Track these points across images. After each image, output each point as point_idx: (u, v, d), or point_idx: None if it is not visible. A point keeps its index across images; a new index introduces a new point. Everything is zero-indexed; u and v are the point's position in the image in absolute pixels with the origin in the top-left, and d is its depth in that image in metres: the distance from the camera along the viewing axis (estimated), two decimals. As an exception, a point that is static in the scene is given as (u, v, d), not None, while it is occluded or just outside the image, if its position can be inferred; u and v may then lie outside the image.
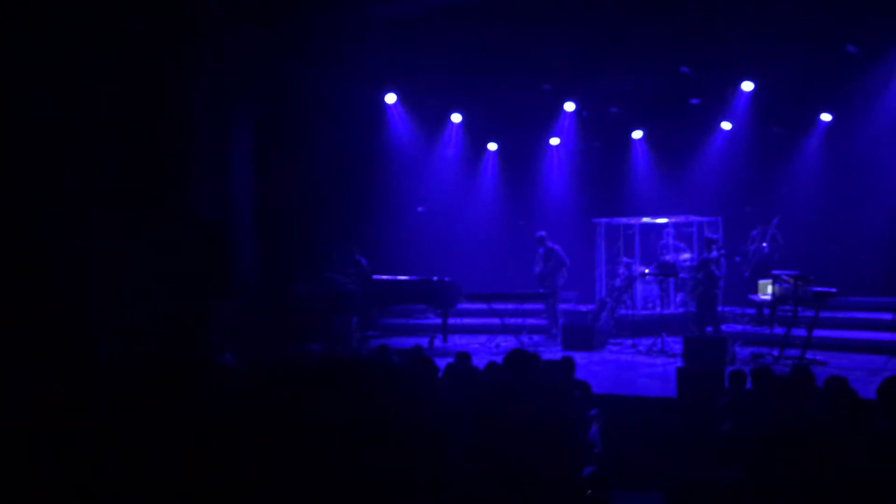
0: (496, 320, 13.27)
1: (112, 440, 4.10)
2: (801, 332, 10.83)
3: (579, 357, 9.14)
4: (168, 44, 10.78)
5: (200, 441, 3.97)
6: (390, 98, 15.21)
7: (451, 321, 13.07)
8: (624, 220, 15.22)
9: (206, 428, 4.07)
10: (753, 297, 12.20)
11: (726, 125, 15.13)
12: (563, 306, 14.10)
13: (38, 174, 9.43)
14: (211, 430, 4.04)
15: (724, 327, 12.57)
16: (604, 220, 15.27)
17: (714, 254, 12.52)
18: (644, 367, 11.11)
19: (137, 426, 4.23)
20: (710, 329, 12.13)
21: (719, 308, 12.76)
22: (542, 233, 13.90)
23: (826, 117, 14.49)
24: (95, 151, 9.88)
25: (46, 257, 9.31)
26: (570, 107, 15.56)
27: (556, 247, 13.69)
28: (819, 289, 10.65)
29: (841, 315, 12.36)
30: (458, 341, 13.07)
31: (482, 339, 13.24)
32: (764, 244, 13.02)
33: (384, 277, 13.28)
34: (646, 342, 12.37)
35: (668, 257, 14.24)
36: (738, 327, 12.69)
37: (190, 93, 11.52)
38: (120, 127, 10.20)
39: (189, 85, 11.47)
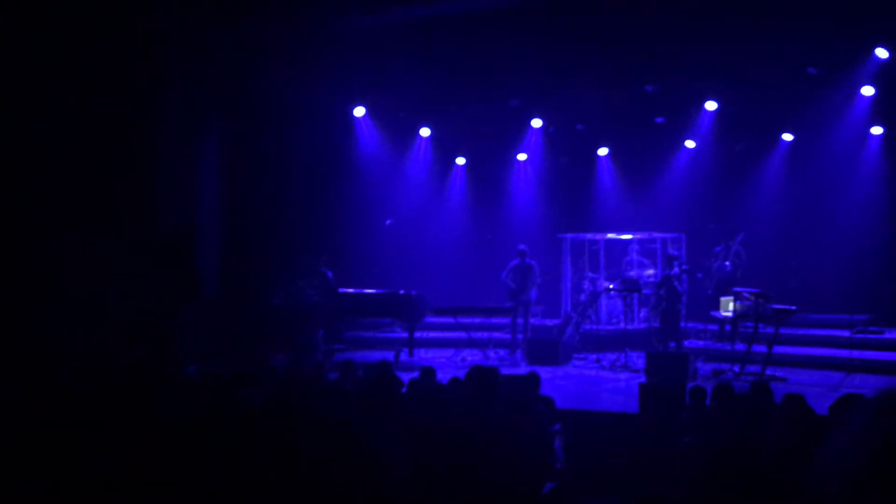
0: (463, 334, 13.30)
1: (72, 453, 4.05)
2: (761, 348, 10.99)
3: (544, 371, 9.19)
4: (136, 52, 10.71)
5: (162, 454, 3.94)
6: (359, 111, 15.22)
7: (418, 335, 13.07)
8: (589, 235, 15.36)
9: (167, 441, 4.04)
10: (715, 313, 12.37)
11: (690, 143, 15.36)
12: (530, 321, 14.16)
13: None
14: (172, 442, 4.02)
15: (686, 343, 12.72)
16: (569, 235, 15.40)
17: (676, 270, 12.69)
18: (608, 382, 11.21)
19: (97, 439, 4.19)
20: (672, 344, 12.27)
21: (682, 324, 12.92)
22: (524, 247, 13.96)
23: (787, 137, 14.77)
24: (59, 159, 9.78)
25: (5, 267, 9.18)
26: (537, 123, 15.69)
27: (534, 263, 13.76)
28: (779, 306, 10.83)
29: (801, 332, 12.57)
30: (425, 355, 13.06)
31: (449, 352, 13.25)
32: (727, 262, 13.21)
33: (350, 290, 13.25)
34: (610, 357, 12.48)
35: (632, 273, 14.39)
36: (701, 343, 12.84)
37: (158, 103, 11.45)
38: (85, 136, 10.11)
39: (157, 95, 11.41)
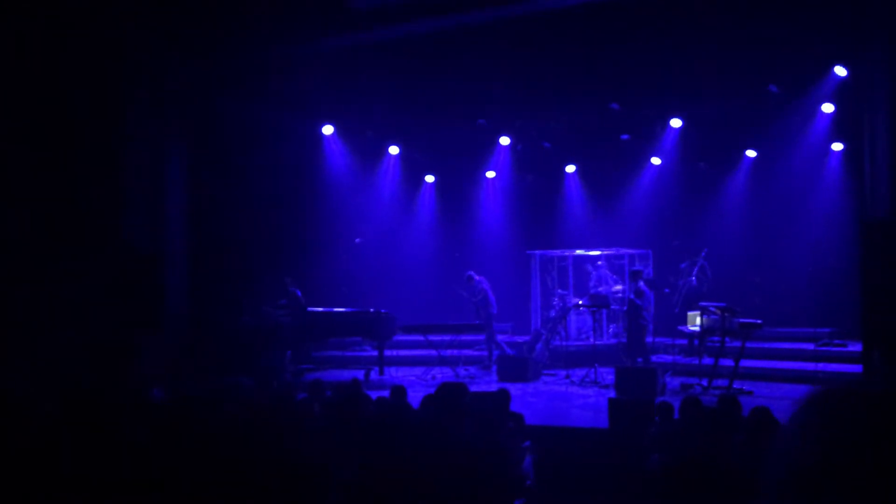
0: (433, 352, 13.29)
1: (35, 477, 3.99)
2: (728, 362, 11.10)
3: (514, 388, 9.20)
4: (100, 73, 10.64)
5: (125, 473, 3.89)
6: (327, 130, 15.22)
7: (388, 353, 13.03)
8: (558, 252, 15.45)
9: (129, 462, 3.99)
10: (683, 327, 12.47)
11: (656, 160, 15.54)
12: (498, 337, 14.21)
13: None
14: (136, 462, 3.97)
15: (654, 358, 12.79)
16: (538, 251, 15.48)
17: (641, 285, 12.77)
18: (577, 398, 11.23)
19: (59, 463, 4.13)
20: (640, 360, 12.36)
21: (649, 339, 13.01)
22: (470, 272, 14.18)
23: (751, 153, 15.00)
24: (24, 181, 9.67)
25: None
26: (505, 141, 15.80)
27: (482, 281, 13.90)
28: (745, 320, 10.95)
29: (767, 345, 12.72)
30: (395, 374, 13.02)
31: (419, 370, 13.23)
32: (692, 277, 13.35)
33: (319, 309, 13.19)
34: (579, 373, 12.52)
35: (600, 289, 14.48)
36: (669, 357, 12.93)
37: (122, 123, 11.36)
38: (50, 158, 10.01)
39: (121, 115, 11.33)
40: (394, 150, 16.27)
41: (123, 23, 10.63)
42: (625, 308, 12.94)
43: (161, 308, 11.02)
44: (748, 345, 11.18)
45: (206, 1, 10.70)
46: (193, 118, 12.80)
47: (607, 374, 11.77)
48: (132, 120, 11.51)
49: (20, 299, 9.28)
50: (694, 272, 13.34)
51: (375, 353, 12.96)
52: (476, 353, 14.06)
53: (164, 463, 3.68)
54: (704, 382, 11.13)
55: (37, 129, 9.93)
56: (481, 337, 14.11)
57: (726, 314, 11.03)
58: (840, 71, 12.40)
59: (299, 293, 13.24)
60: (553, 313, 14.54)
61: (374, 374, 12.66)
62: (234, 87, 12.64)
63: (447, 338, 13.54)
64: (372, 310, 12.99)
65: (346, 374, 12.21)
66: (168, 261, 12.10)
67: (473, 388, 7.86)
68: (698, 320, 11.63)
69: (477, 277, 14.02)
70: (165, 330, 11.28)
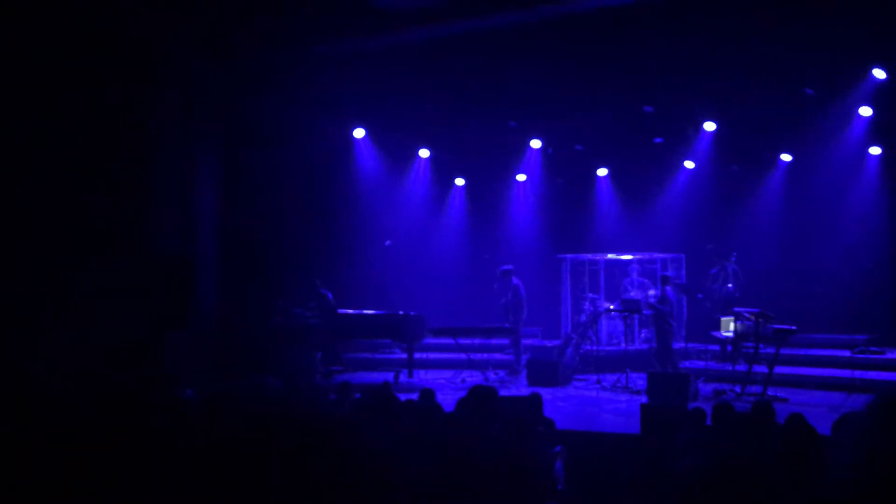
0: (462, 355, 13.25)
1: (60, 477, 4.00)
2: (762, 368, 10.94)
3: (544, 393, 9.13)
4: (133, 78, 10.74)
5: (153, 474, 3.89)
6: (358, 133, 15.27)
7: (417, 356, 13.01)
8: (589, 256, 15.34)
9: (158, 461, 3.99)
10: (716, 333, 12.33)
11: (689, 164, 15.38)
12: (528, 341, 14.13)
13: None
14: (164, 462, 3.97)
15: (687, 363, 12.65)
16: (569, 255, 15.38)
17: (669, 290, 12.65)
18: (608, 404, 11.13)
19: (86, 462, 4.13)
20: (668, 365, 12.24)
21: (681, 344, 12.87)
22: (508, 266, 13.95)
23: (786, 157, 14.79)
24: (57, 183, 9.78)
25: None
26: (536, 144, 15.73)
27: (518, 283, 13.75)
28: (779, 326, 10.80)
29: (801, 352, 12.53)
30: (424, 376, 13.00)
31: (448, 374, 13.19)
32: (729, 284, 13.20)
33: (349, 311, 13.21)
34: (610, 378, 12.41)
35: (632, 293, 14.35)
36: (701, 363, 12.79)
37: (155, 125, 11.47)
38: (82, 158, 10.11)
39: (154, 118, 11.43)
40: (424, 152, 16.28)
41: (154, 23, 10.72)
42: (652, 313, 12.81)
43: (191, 308, 11.09)
44: (782, 351, 11.02)
45: (236, 2, 10.76)
46: (224, 119, 12.89)
47: (639, 380, 11.66)
48: (163, 120, 11.61)
49: (51, 298, 9.39)
50: (729, 278, 13.19)
51: (405, 355, 12.95)
52: (506, 356, 13.99)
53: (195, 461, 3.67)
54: (738, 389, 10.98)
55: (68, 129, 10.04)
56: (509, 341, 14.00)
57: (760, 320, 10.89)
58: (879, 74, 12.19)
59: (330, 295, 13.28)
60: (584, 318, 14.43)
61: (402, 377, 12.65)
62: (264, 89, 12.71)
63: (476, 341, 13.49)
64: (401, 312, 12.98)
65: (376, 377, 12.22)
66: (198, 261, 12.18)
67: (503, 393, 7.80)
68: (731, 326, 11.49)
69: (514, 277, 13.84)
70: (195, 330, 11.35)
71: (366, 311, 13.29)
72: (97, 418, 4.76)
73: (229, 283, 12.89)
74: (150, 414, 4.84)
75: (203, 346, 11.76)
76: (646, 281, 14.93)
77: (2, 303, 8.98)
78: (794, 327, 10.81)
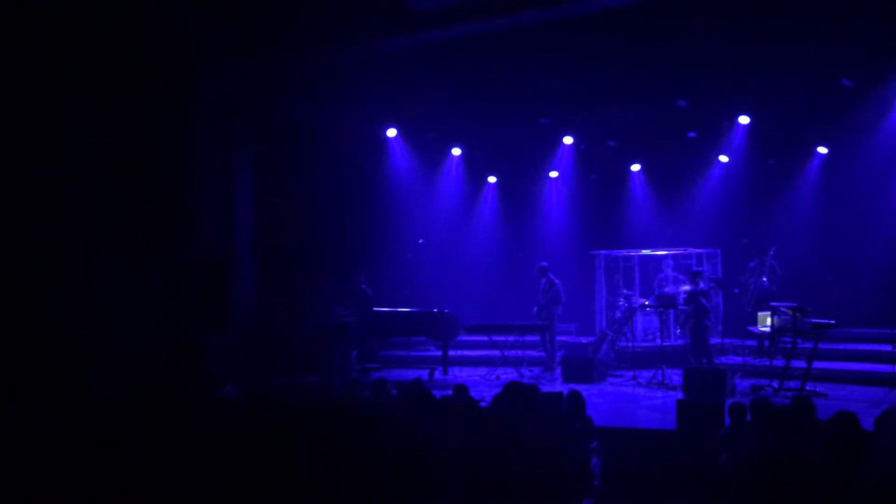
0: (496, 352, 13.28)
1: (106, 471, 4.09)
2: (800, 363, 10.82)
3: (579, 389, 9.12)
4: (170, 82, 10.91)
5: (194, 470, 3.97)
6: (391, 132, 15.35)
7: (452, 353, 13.06)
8: (623, 252, 15.27)
9: (199, 457, 4.07)
10: (753, 328, 12.21)
11: (724, 158, 15.24)
12: (563, 338, 14.11)
13: (39, 206, 9.51)
14: (205, 459, 4.04)
15: (724, 359, 12.55)
16: (603, 252, 15.32)
17: (703, 286, 12.56)
18: (644, 400, 11.09)
19: (131, 457, 4.23)
20: (704, 361, 12.14)
21: (718, 340, 12.76)
22: (545, 263, 13.93)
23: (822, 150, 14.59)
24: (99, 187, 9.97)
25: (45, 291, 9.35)
26: (568, 140, 15.68)
27: (557, 281, 13.71)
28: (817, 320, 10.67)
29: (840, 346, 12.35)
30: (459, 373, 13.04)
31: (483, 371, 13.22)
32: (764, 278, 13.06)
33: (384, 309, 13.30)
34: (646, 374, 12.35)
35: (667, 289, 14.26)
36: (738, 359, 12.67)
37: (192, 129, 11.63)
38: (123, 163, 10.30)
39: (191, 121, 11.60)
40: (456, 151, 16.31)
41: (194, 28, 10.87)
42: (687, 308, 12.72)
43: (230, 308, 11.24)
44: (821, 346, 10.88)
45: (272, 6, 10.87)
46: (260, 120, 13.03)
47: (675, 376, 11.59)
48: (201, 122, 11.78)
49: (95, 300, 9.58)
50: (765, 272, 13.05)
51: (439, 352, 13.01)
52: (540, 353, 13.98)
53: (236, 458, 3.75)
54: (776, 384, 10.88)
55: (110, 135, 10.22)
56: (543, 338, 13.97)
57: (798, 314, 10.77)
58: (918, 63, 11.98)
59: (370, 292, 13.40)
60: (618, 314, 14.37)
61: (437, 374, 12.72)
62: (299, 91, 12.82)
63: (511, 338, 13.50)
64: (435, 310, 13.04)
65: (411, 374, 12.28)
66: (236, 262, 12.34)
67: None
68: (769, 321, 11.37)
69: (551, 274, 13.81)
70: (234, 329, 11.51)
71: (400, 309, 13.36)
72: (140, 416, 4.86)
73: (267, 282, 13.04)
74: (191, 412, 4.94)
75: (242, 346, 11.91)
76: (680, 276, 14.82)
77: (52, 303, 9.18)
78: (832, 322, 10.68)
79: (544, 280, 13.71)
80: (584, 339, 14.29)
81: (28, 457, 3.95)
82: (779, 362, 11.46)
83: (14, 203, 9.36)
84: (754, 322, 12.19)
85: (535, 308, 13.71)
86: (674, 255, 14.93)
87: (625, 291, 14.75)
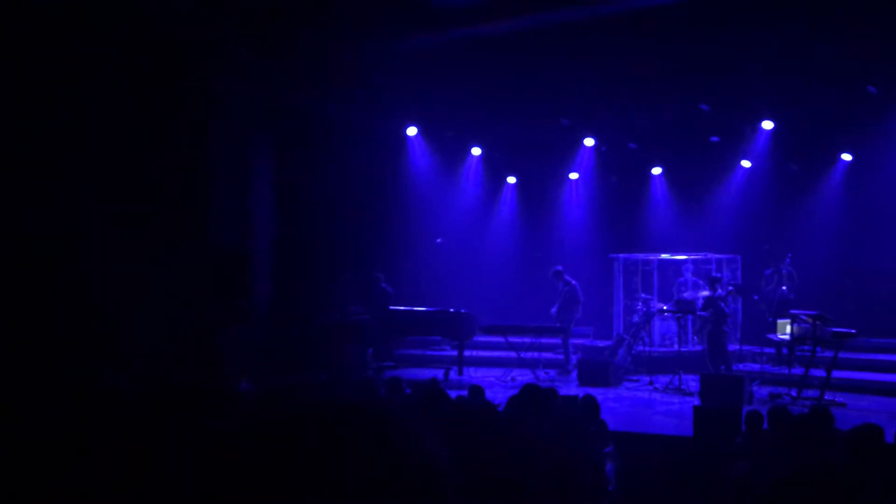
0: (512, 353, 13.23)
1: (119, 466, 4.09)
2: (819, 372, 10.71)
3: (595, 393, 9.08)
4: (190, 76, 10.94)
5: (210, 465, 3.96)
6: (411, 131, 15.34)
7: (468, 353, 13.03)
8: (642, 255, 15.17)
9: (215, 452, 4.06)
10: (772, 336, 12.10)
11: (746, 163, 15.11)
12: (580, 341, 14.05)
13: (58, 201, 9.57)
14: (221, 454, 4.03)
15: (742, 366, 12.43)
16: (622, 255, 15.23)
17: (721, 292, 12.45)
18: (661, 405, 11.02)
19: (146, 452, 4.22)
20: (721, 367, 12.04)
21: (735, 346, 12.65)
22: (559, 267, 13.88)
23: (846, 157, 14.43)
24: (117, 181, 10.02)
25: (62, 284, 9.41)
26: (589, 142, 15.61)
27: (574, 282, 13.65)
28: (838, 329, 10.56)
29: (861, 356, 12.21)
30: (474, 374, 13.01)
31: (498, 372, 13.18)
32: (783, 287, 12.95)
33: (401, 308, 13.29)
34: (663, 379, 12.26)
35: (686, 294, 14.16)
36: (757, 366, 12.56)
37: (211, 123, 11.67)
38: (142, 156, 10.34)
39: (211, 116, 11.63)
40: (476, 151, 16.28)
41: (213, 24, 10.90)
42: (704, 314, 12.60)
43: (247, 304, 11.28)
44: (841, 355, 10.76)
45: (292, 3, 10.88)
46: (279, 117, 13.05)
47: (692, 382, 11.50)
48: (219, 118, 11.82)
49: (113, 294, 9.63)
50: (783, 280, 12.93)
51: (455, 352, 12.99)
52: (556, 356, 13.92)
53: (253, 453, 3.72)
54: (794, 393, 10.77)
55: (129, 129, 10.27)
56: (559, 340, 13.92)
57: (818, 323, 10.66)
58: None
59: (390, 290, 13.41)
60: (636, 318, 14.28)
61: (453, 374, 12.69)
62: (318, 87, 12.83)
63: (527, 339, 13.45)
64: (452, 309, 13.01)
65: (426, 373, 12.27)
66: (254, 257, 12.37)
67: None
68: (788, 329, 11.26)
69: (567, 276, 13.76)
70: (251, 325, 11.54)
71: (417, 308, 13.35)
72: (158, 410, 4.87)
73: (284, 279, 13.07)
74: (208, 407, 4.94)
75: (258, 342, 11.95)
76: (700, 281, 14.70)
77: (72, 297, 9.24)
78: (853, 331, 10.56)
79: (561, 283, 13.67)
80: (601, 343, 14.21)
81: (42, 451, 3.95)
82: (797, 370, 11.35)
83: (36, 200, 9.43)
84: (773, 329, 12.07)
85: (554, 308, 13.67)
86: (693, 260, 14.82)
87: (643, 295, 14.66)
